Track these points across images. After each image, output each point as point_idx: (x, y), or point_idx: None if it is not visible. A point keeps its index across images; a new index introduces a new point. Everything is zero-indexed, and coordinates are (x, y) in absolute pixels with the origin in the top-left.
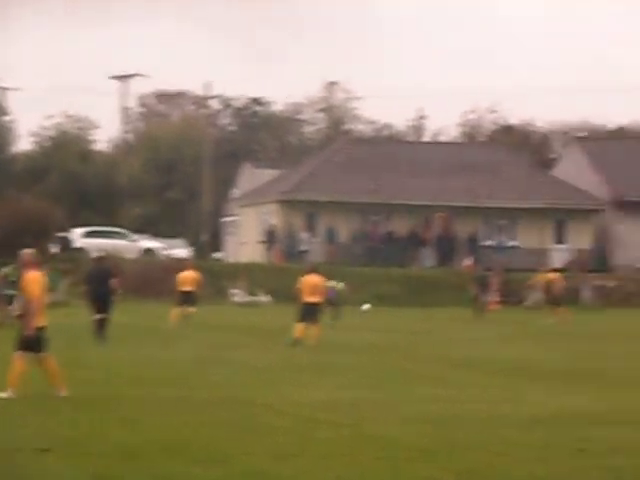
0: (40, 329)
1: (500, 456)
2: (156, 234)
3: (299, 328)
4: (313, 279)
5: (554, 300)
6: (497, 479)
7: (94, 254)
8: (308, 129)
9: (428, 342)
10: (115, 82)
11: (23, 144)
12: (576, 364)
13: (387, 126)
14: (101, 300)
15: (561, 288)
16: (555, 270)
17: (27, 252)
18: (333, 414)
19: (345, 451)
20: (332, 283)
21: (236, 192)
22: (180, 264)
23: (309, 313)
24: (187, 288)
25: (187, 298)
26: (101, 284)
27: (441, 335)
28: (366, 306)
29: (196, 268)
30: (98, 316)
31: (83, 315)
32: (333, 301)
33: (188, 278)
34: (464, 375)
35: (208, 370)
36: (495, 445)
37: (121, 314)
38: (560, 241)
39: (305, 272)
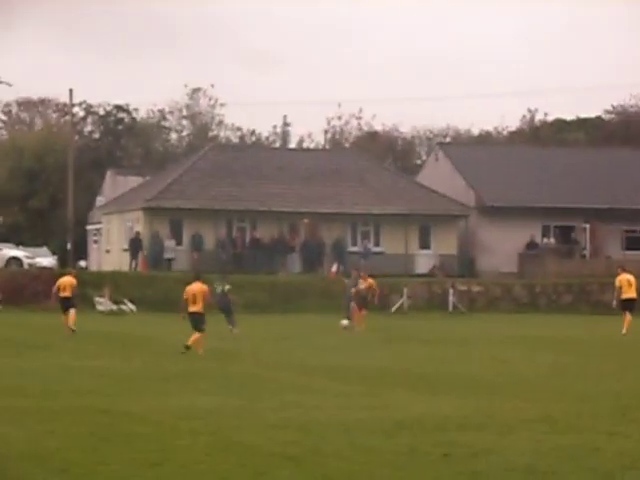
0: None
1: (364, 463)
2: (20, 243)
3: (194, 337)
4: (194, 288)
5: (362, 302)
6: None
7: None
8: (173, 136)
9: (291, 349)
10: None
11: None
12: (440, 369)
13: (252, 133)
14: None
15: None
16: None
17: None
18: (195, 422)
19: (206, 459)
20: (217, 286)
21: (100, 200)
22: (47, 272)
23: (194, 322)
24: (66, 294)
25: (68, 303)
26: None
27: (304, 342)
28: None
29: (74, 275)
30: None
31: None
32: (223, 305)
33: (67, 284)
34: (327, 382)
35: (70, 379)
36: (359, 452)
37: None
38: (425, 246)
39: (189, 281)
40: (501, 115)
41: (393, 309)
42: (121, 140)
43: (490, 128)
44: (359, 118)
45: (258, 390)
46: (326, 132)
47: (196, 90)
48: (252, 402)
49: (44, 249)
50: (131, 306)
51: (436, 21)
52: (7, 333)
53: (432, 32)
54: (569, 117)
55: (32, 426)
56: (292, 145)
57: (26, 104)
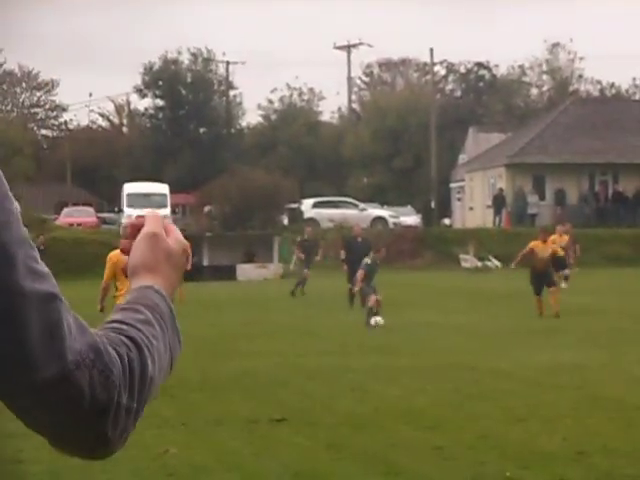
0: None
1: None
2: (385, 202)
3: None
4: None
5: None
6: None
7: (326, 224)
8: (533, 92)
9: None
10: (339, 52)
11: (250, 118)
12: None
13: (612, 85)
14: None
15: None
16: None
17: None
18: (559, 377)
19: (571, 413)
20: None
21: (463, 157)
22: (412, 231)
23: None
24: None
25: None
26: (359, 255)
27: None
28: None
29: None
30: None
31: (318, 285)
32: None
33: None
34: None
35: (437, 336)
36: None
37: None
38: None
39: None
40: None
41: None
42: (482, 97)
43: None
44: None
45: (623, 344)
46: None
47: (555, 45)
48: (617, 356)
49: (408, 208)
50: (496, 262)
51: None
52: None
53: None
54: None
55: (404, 383)
56: None
57: (387, 65)
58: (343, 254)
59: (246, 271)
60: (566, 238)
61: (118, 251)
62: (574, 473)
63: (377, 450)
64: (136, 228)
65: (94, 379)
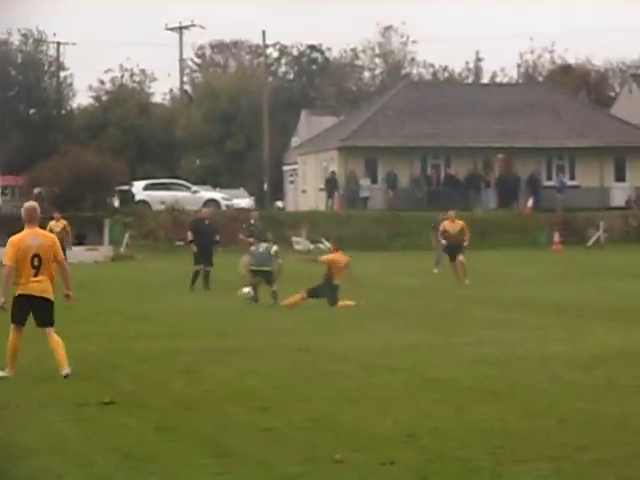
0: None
1: (562, 396)
2: (217, 185)
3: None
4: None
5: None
6: (559, 417)
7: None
8: (366, 75)
9: (487, 284)
10: (171, 34)
11: (81, 99)
12: (634, 303)
13: (445, 69)
14: (206, 253)
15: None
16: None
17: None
18: (392, 359)
19: (404, 395)
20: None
21: (296, 140)
22: (244, 213)
23: None
24: None
25: None
26: (207, 237)
27: (500, 277)
28: (246, 290)
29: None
30: (200, 267)
31: (148, 268)
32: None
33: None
34: (524, 316)
35: (268, 318)
36: (557, 385)
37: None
38: (620, 179)
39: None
40: None
41: (589, 243)
42: (315, 80)
43: None
44: (552, 52)
45: (454, 326)
46: (519, 66)
47: (388, 28)
48: (449, 338)
49: (241, 190)
50: (328, 245)
51: None
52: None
53: None
54: None
55: (236, 365)
56: (485, 80)
57: (219, 46)
58: (190, 236)
59: (77, 253)
60: (460, 223)
61: None
62: (405, 455)
63: (208, 432)
64: None
65: None
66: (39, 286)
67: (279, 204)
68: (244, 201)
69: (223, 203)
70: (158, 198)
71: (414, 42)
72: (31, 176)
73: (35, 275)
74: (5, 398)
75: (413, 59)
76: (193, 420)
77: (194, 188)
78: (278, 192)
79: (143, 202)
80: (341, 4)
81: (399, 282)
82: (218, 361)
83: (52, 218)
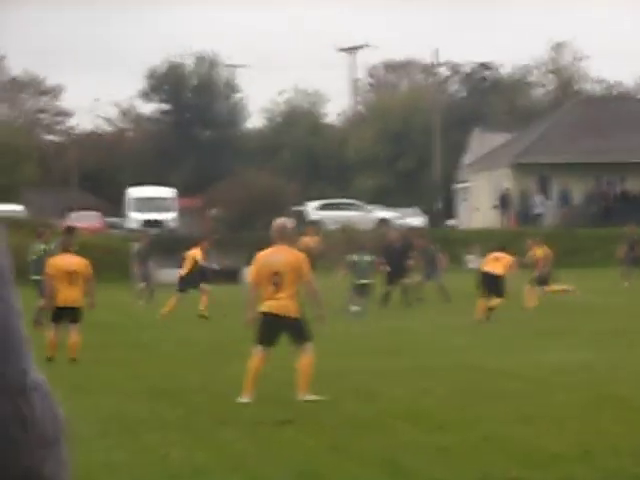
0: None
1: None
2: (389, 204)
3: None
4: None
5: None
6: None
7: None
8: (537, 91)
9: None
10: (344, 54)
11: (254, 121)
12: None
13: (617, 84)
14: (397, 274)
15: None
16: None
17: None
18: (568, 377)
19: (581, 414)
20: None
21: (467, 158)
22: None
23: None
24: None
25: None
26: (397, 259)
27: None
28: (355, 308)
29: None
30: (390, 288)
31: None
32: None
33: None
34: None
35: (441, 337)
36: None
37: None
38: None
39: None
40: None
41: None
42: (487, 97)
43: None
44: None
45: (629, 344)
46: None
47: (560, 44)
48: (624, 356)
49: (414, 209)
50: None
51: None
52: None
53: None
54: None
55: (410, 384)
56: None
57: (392, 66)
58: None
59: None
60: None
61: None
62: (581, 472)
63: (382, 451)
64: None
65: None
66: (277, 304)
67: (451, 222)
68: (417, 220)
69: (395, 222)
70: (331, 218)
71: (586, 57)
72: (207, 198)
73: (276, 292)
74: (176, 418)
75: (585, 74)
76: (366, 439)
77: (367, 207)
78: (450, 210)
79: (317, 222)
80: (511, 21)
81: (575, 300)
82: (391, 380)
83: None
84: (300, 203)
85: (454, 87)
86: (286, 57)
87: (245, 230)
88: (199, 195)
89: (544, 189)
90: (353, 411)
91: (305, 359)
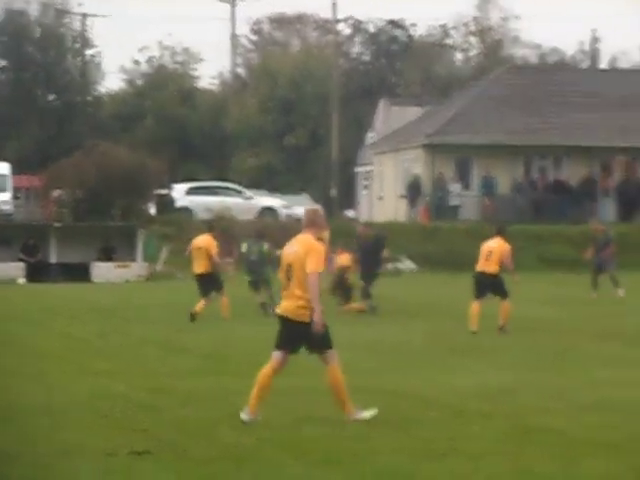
0: None
1: None
2: (275, 189)
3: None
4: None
5: None
6: None
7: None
8: (458, 57)
9: (605, 315)
10: (223, 5)
11: (111, 83)
12: None
13: (553, 51)
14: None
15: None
16: None
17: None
18: (486, 403)
19: (501, 448)
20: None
21: (372, 136)
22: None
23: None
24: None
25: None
26: (371, 255)
27: (619, 306)
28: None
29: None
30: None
31: (190, 290)
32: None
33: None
34: None
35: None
36: None
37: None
38: None
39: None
40: None
41: None
42: (396, 63)
43: None
44: None
45: (564, 365)
46: None
47: (485, 0)
48: (556, 379)
49: (304, 196)
50: (410, 264)
51: None
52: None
53: None
54: None
55: (296, 409)
56: (603, 65)
57: (280, 21)
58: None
59: (103, 271)
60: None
61: None
62: None
63: None
64: None
65: None
66: (284, 304)
67: (350, 213)
68: None
69: (282, 212)
70: (203, 204)
71: (517, 18)
72: (50, 176)
73: (285, 289)
74: (12, 446)
75: (516, 38)
76: (243, 474)
77: (247, 193)
78: (349, 199)
79: (186, 209)
80: None
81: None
82: (273, 404)
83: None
84: (166, 185)
85: (356, 49)
86: (150, 6)
87: (97, 217)
88: (40, 173)
89: (463, 176)
90: (227, 440)
91: (331, 371)
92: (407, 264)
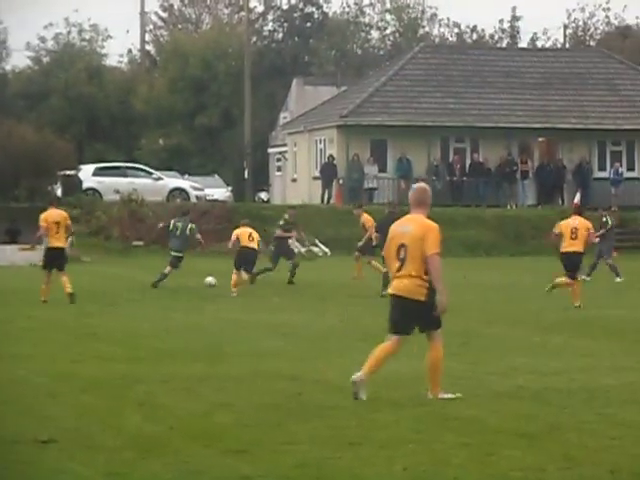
0: None
1: (615, 439)
2: (186, 171)
3: None
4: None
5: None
6: (610, 466)
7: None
8: (374, 35)
9: (523, 300)
10: None
11: (16, 61)
12: None
13: (473, 29)
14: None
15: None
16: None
17: None
18: (400, 391)
19: (415, 437)
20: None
21: (285, 116)
22: (219, 207)
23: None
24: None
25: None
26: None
27: (536, 291)
28: (210, 279)
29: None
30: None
31: (97, 273)
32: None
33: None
34: (567, 340)
35: (248, 338)
36: (608, 426)
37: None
38: None
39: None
40: None
41: None
42: (310, 41)
43: None
44: (607, 10)
45: (482, 351)
46: (565, 28)
47: None
48: (474, 366)
49: (215, 178)
50: (324, 248)
51: None
52: (172, 282)
53: None
54: None
55: (203, 397)
56: (523, 44)
57: None
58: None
59: (7, 253)
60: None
61: None
62: None
63: (172, 479)
64: None
65: None
66: (398, 283)
67: (263, 196)
68: (219, 191)
69: (193, 193)
70: (111, 185)
71: None
72: None
73: (398, 270)
74: None
75: (434, 16)
76: (151, 464)
77: (157, 174)
78: (262, 181)
79: (93, 191)
80: None
81: None
82: (183, 391)
83: None
84: (73, 166)
85: (269, 27)
86: None
87: (1, 198)
88: None
89: (378, 158)
90: (135, 429)
91: (434, 350)
92: (321, 248)
